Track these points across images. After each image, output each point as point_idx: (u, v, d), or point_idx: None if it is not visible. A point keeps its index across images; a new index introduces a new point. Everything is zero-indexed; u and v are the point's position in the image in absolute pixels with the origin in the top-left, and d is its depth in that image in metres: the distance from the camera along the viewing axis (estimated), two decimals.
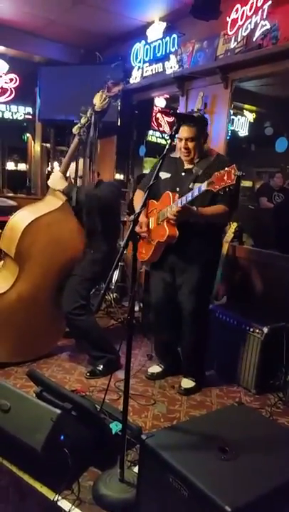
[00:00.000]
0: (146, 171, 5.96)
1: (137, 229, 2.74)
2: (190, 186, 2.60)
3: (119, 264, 4.49)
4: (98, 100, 3.06)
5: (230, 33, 3.55)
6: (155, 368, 3.06)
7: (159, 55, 4.38)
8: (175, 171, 2.75)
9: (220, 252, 2.96)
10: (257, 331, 2.86)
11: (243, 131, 6.82)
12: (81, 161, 3.13)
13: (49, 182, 3.15)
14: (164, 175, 2.77)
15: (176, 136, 2.66)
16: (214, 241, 2.83)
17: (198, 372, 2.94)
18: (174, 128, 2.01)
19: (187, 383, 2.86)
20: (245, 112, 6.73)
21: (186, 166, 2.73)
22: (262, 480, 1.45)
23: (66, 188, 3.04)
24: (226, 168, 2.23)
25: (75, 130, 3.11)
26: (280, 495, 1.46)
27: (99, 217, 2.98)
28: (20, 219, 2.96)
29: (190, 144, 2.62)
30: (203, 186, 2.36)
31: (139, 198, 2.87)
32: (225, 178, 2.22)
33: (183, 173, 2.72)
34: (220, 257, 2.96)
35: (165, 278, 2.83)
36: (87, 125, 3.06)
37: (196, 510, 1.41)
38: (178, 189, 2.67)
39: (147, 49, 4.52)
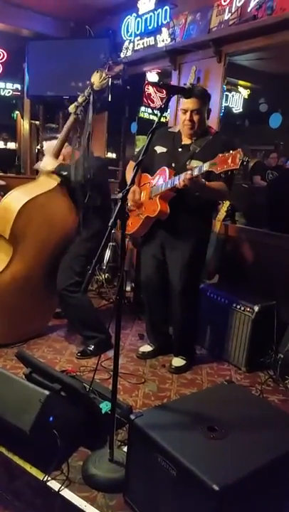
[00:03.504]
0: (138, 149, 5.85)
1: (130, 196, 2.67)
2: (187, 163, 2.53)
3: (111, 244, 4.46)
4: (97, 79, 2.94)
5: (224, 3, 3.44)
6: (146, 347, 3.04)
7: (150, 27, 4.25)
8: (172, 145, 2.67)
9: (210, 230, 2.91)
10: (248, 309, 2.85)
11: (237, 108, 6.71)
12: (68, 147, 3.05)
13: (41, 166, 3.07)
14: (159, 149, 2.70)
15: (180, 107, 2.60)
16: (205, 219, 2.78)
17: (189, 350, 2.93)
18: (164, 101, 1.94)
19: (178, 362, 2.86)
20: (240, 88, 6.62)
21: (184, 141, 2.65)
22: (250, 458, 1.44)
23: (57, 167, 2.96)
24: (231, 152, 2.14)
25: (71, 109, 3.00)
26: (268, 473, 1.46)
27: (90, 195, 2.92)
28: (15, 199, 2.89)
29: (195, 117, 2.54)
30: (205, 167, 2.28)
31: (131, 170, 2.79)
32: (229, 161, 2.14)
33: (180, 149, 2.65)
34: (210, 234, 2.91)
35: (155, 255, 2.80)
36: (84, 104, 2.96)
37: (184, 489, 1.41)
38: (174, 165, 2.60)
39: (138, 22, 4.39)
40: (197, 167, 2.35)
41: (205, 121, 2.62)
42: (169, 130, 2.78)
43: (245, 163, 2.15)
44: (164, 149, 2.69)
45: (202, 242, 2.79)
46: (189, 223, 2.64)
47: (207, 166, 2.26)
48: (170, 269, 2.75)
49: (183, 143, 2.65)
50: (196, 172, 2.33)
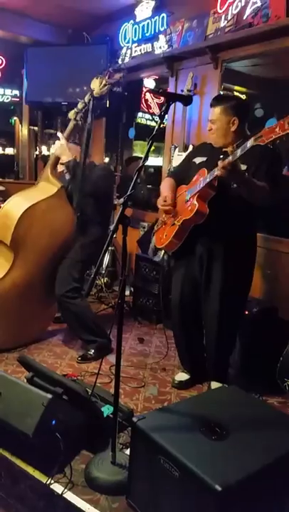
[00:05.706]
0: (136, 154, 5.90)
1: (161, 202, 2.54)
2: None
3: (110, 248, 4.48)
4: (97, 86, 2.96)
5: (220, 10, 3.48)
6: (182, 376, 2.75)
7: (148, 34, 4.30)
8: (211, 154, 2.47)
9: (256, 242, 2.52)
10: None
11: None
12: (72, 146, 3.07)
13: (55, 148, 3.03)
14: (198, 159, 2.55)
15: None
16: (250, 226, 2.48)
17: (225, 373, 2.64)
18: (163, 108, 1.96)
19: (217, 386, 2.58)
20: (236, 94, 6.66)
21: (225, 149, 2.43)
22: (251, 459, 1.46)
23: (68, 162, 2.95)
24: (279, 121, 1.87)
25: (71, 115, 3.02)
26: (269, 473, 1.49)
27: (91, 202, 2.95)
28: (16, 205, 2.90)
29: (213, 126, 2.43)
30: (249, 143, 1.99)
31: (167, 184, 2.67)
32: (277, 129, 1.86)
33: (221, 156, 2.35)
34: (256, 247, 2.52)
35: (193, 271, 2.52)
36: (84, 110, 2.98)
37: (187, 490, 1.43)
38: None
39: (136, 29, 4.44)
40: (240, 147, 2.07)
41: (229, 129, 2.40)
42: (208, 142, 2.60)
43: None
44: (204, 158, 2.52)
45: (249, 255, 2.50)
46: (233, 231, 2.37)
47: (252, 141, 1.97)
48: (210, 287, 2.46)
49: (223, 150, 2.42)
50: (238, 152, 2.07)
